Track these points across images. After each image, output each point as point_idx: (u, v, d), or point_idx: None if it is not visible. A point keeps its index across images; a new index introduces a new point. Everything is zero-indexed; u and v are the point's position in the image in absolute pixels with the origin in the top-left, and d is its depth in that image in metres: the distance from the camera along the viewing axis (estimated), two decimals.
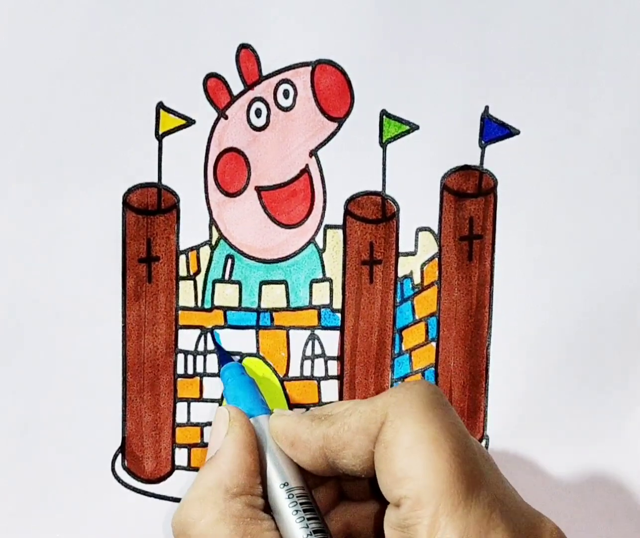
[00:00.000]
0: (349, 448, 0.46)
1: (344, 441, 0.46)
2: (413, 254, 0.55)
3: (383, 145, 0.53)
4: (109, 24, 0.51)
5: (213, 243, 0.53)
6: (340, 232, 0.54)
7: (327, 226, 0.54)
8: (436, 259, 0.55)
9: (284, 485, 0.48)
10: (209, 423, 0.54)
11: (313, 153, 0.53)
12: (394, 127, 0.53)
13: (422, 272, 0.55)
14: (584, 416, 0.56)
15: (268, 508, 0.48)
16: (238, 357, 0.54)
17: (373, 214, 0.54)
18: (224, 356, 0.54)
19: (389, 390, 0.47)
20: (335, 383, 0.55)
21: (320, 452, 0.47)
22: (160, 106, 0.52)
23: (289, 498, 0.48)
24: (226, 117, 0.52)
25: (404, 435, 0.44)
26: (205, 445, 0.55)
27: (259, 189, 0.53)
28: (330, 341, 0.55)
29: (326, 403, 0.54)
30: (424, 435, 0.44)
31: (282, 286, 0.54)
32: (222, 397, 0.54)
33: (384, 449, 0.45)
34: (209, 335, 0.54)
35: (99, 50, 0.51)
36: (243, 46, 0.52)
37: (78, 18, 0.50)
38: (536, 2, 0.53)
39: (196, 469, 0.55)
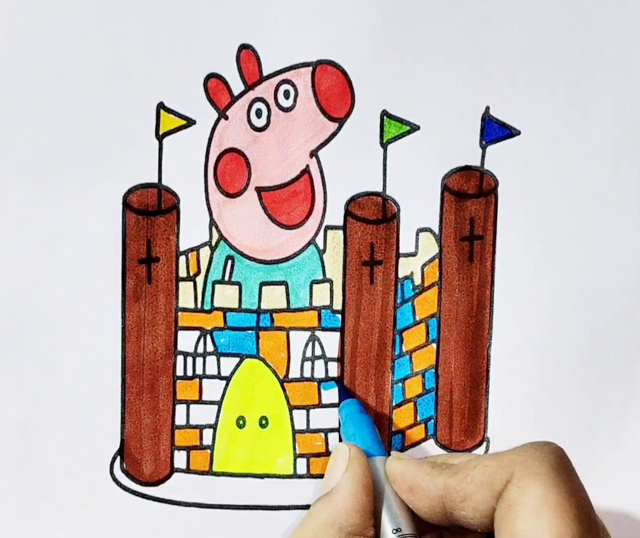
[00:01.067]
0: (470, 500, 0.46)
1: (466, 493, 0.46)
2: (414, 255, 0.55)
3: (384, 145, 0.53)
4: (109, 24, 0.51)
5: (213, 243, 0.53)
6: (340, 233, 0.54)
7: (328, 227, 0.54)
8: (437, 260, 0.55)
9: (397, 530, 0.48)
10: (208, 426, 0.54)
11: (313, 154, 0.53)
12: (394, 128, 0.53)
13: (422, 273, 0.55)
14: (585, 417, 0.56)
15: None
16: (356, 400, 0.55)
17: (373, 215, 0.54)
18: (344, 392, 0.54)
19: (516, 448, 0.47)
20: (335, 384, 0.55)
21: (439, 501, 0.47)
22: (161, 106, 0.52)
23: None
24: (226, 118, 0.52)
25: (530, 496, 0.44)
26: (204, 448, 0.54)
27: (259, 190, 0.53)
28: (331, 342, 0.55)
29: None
30: (550, 498, 0.44)
31: (282, 287, 0.54)
32: (339, 433, 0.54)
33: (508, 507, 0.45)
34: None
35: (99, 50, 0.51)
36: (243, 46, 0.52)
37: (78, 18, 0.50)
38: (536, 2, 0.53)
39: (195, 472, 0.55)
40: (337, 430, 0.55)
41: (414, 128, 0.53)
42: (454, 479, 0.46)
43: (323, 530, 0.47)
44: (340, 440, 0.54)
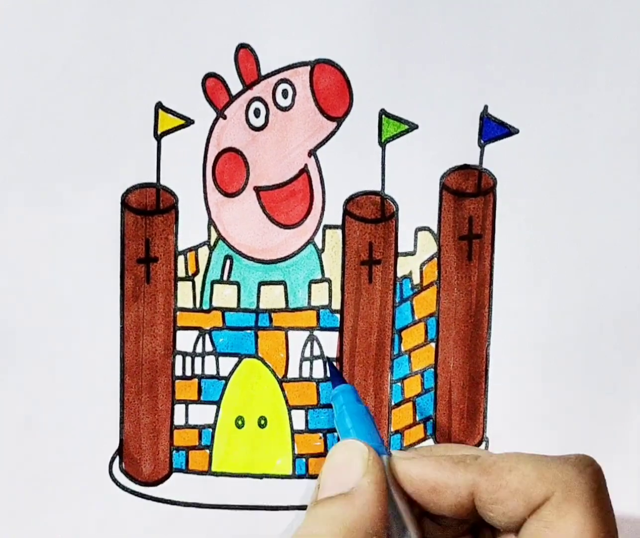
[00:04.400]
0: (501, 505, 0.45)
1: (498, 497, 0.45)
2: (412, 254, 0.54)
3: (382, 144, 0.53)
4: (107, 25, 0.51)
5: (212, 243, 0.53)
6: (339, 232, 0.54)
7: (326, 226, 0.54)
8: (435, 259, 0.55)
9: (403, 531, 0.46)
10: (207, 425, 0.54)
11: (312, 153, 0.53)
12: (393, 127, 0.53)
13: (421, 272, 0.55)
14: (584, 417, 0.56)
15: None
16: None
17: (372, 214, 0.54)
18: (337, 377, 0.52)
19: (556, 460, 0.45)
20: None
21: (468, 499, 0.45)
22: (159, 106, 0.52)
23: None
24: (225, 117, 0.52)
25: (570, 524, 0.44)
26: (203, 448, 0.54)
27: (257, 189, 0.53)
28: (329, 342, 0.55)
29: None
30: (588, 529, 0.44)
31: (281, 287, 0.54)
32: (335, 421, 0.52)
33: (544, 528, 0.44)
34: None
35: (97, 50, 0.51)
36: (242, 46, 0.52)
37: (77, 18, 0.50)
38: (535, 1, 0.53)
39: (194, 472, 0.55)
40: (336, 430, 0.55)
41: (413, 127, 0.53)
42: (485, 479, 0.45)
43: (350, 534, 0.44)
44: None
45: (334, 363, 0.54)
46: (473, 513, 0.46)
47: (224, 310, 0.54)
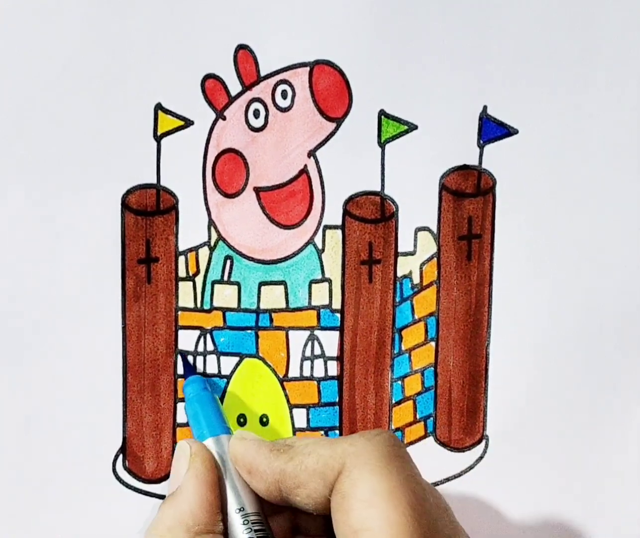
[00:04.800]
0: (303, 488, 0.46)
1: (300, 481, 0.46)
2: (412, 254, 0.55)
3: (382, 145, 0.53)
4: (107, 25, 0.51)
5: (212, 243, 0.53)
6: (339, 232, 0.54)
7: (326, 227, 0.54)
8: (435, 258, 0.55)
9: (240, 509, 0.48)
10: None
11: (311, 153, 0.53)
12: (392, 127, 0.53)
13: (421, 272, 0.55)
14: (584, 416, 0.56)
15: None
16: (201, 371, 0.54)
17: (372, 214, 0.54)
18: (188, 369, 0.54)
19: (349, 437, 0.47)
20: (334, 384, 0.55)
21: (275, 485, 0.47)
22: (159, 107, 0.52)
23: (244, 523, 0.47)
24: (224, 118, 0.52)
25: (361, 488, 0.44)
26: None
27: (257, 190, 0.53)
28: (330, 341, 0.55)
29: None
30: (381, 488, 0.44)
31: (281, 287, 0.54)
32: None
33: (341, 499, 0.45)
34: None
35: (97, 51, 0.51)
36: (241, 47, 0.52)
37: (76, 19, 0.50)
38: (534, 1, 0.53)
39: None
40: (337, 428, 0.55)
41: (412, 127, 0.53)
42: (290, 465, 0.46)
43: (170, 532, 0.47)
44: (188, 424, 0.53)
45: (187, 356, 0.54)
46: (282, 499, 0.47)
47: (224, 310, 0.54)
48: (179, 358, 0.54)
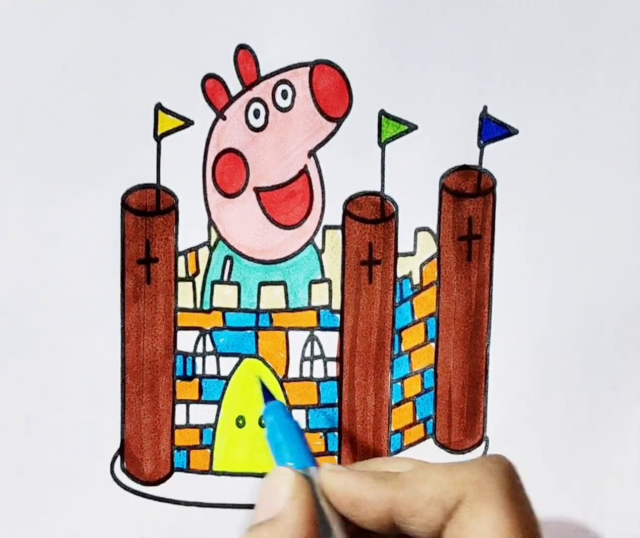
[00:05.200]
0: (419, 516, 0.45)
1: (415, 509, 0.45)
2: (412, 254, 0.55)
3: (382, 145, 0.53)
4: (107, 25, 0.51)
5: (212, 244, 0.53)
6: (339, 232, 0.54)
7: (326, 227, 0.54)
8: (435, 259, 0.55)
9: None
10: (208, 425, 0.54)
11: (312, 154, 0.53)
12: (392, 127, 0.53)
13: (421, 272, 0.55)
14: (584, 417, 0.56)
15: None
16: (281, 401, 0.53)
17: (372, 215, 0.54)
18: (267, 394, 0.52)
19: (467, 464, 0.46)
20: (334, 384, 0.55)
21: (386, 514, 0.46)
22: (159, 107, 0.52)
23: None
24: (224, 118, 0.52)
25: (483, 522, 0.44)
26: (204, 447, 0.55)
27: (257, 190, 0.53)
28: (330, 342, 0.55)
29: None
30: (502, 526, 0.44)
31: (281, 287, 0.54)
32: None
33: (459, 530, 0.44)
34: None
35: (97, 51, 0.51)
36: (241, 47, 0.52)
37: (76, 19, 0.50)
38: (534, 1, 0.53)
39: (195, 471, 0.55)
40: (337, 429, 0.55)
41: (412, 128, 0.53)
42: (402, 493, 0.45)
43: None
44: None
45: (264, 382, 0.53)
46: (393, 528, 0.46)
47: (224, 310, 0.54)
48: (259, 384, 0.52)
